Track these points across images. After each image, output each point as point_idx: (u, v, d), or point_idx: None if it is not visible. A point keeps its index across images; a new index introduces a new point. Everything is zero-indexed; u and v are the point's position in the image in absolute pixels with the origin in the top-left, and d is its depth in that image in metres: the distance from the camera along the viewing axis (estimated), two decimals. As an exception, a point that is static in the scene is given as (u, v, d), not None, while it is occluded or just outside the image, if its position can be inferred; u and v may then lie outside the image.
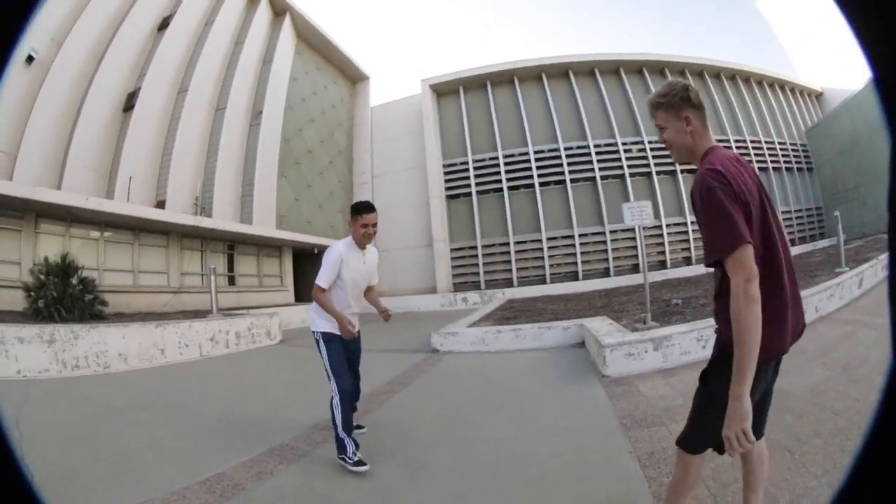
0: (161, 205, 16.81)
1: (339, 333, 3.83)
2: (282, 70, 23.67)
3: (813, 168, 30.23)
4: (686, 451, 2.01)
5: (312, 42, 27.56)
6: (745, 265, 1.64)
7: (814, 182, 30.23)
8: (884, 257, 11.21)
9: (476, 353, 8.79)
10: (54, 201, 12.38)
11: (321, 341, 3.87)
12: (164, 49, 17.91)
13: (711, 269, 1.94)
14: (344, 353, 3.89)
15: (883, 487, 0.68)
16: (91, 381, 7.62)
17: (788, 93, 31.77)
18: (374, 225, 3.78)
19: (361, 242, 3.90)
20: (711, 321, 6.16)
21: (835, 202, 27.01)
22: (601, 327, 7.45)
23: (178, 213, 16.50)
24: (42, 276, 10.83)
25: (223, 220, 18.28)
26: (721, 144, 2.05)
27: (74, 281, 11.93)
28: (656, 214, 23.20)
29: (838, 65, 31.37)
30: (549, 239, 25.04)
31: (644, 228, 9.09)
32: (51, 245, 13.01)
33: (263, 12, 23.76)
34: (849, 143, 26.23)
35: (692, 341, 6.22)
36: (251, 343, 11.41)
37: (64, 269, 11.69)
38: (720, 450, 1.84)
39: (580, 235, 24.97)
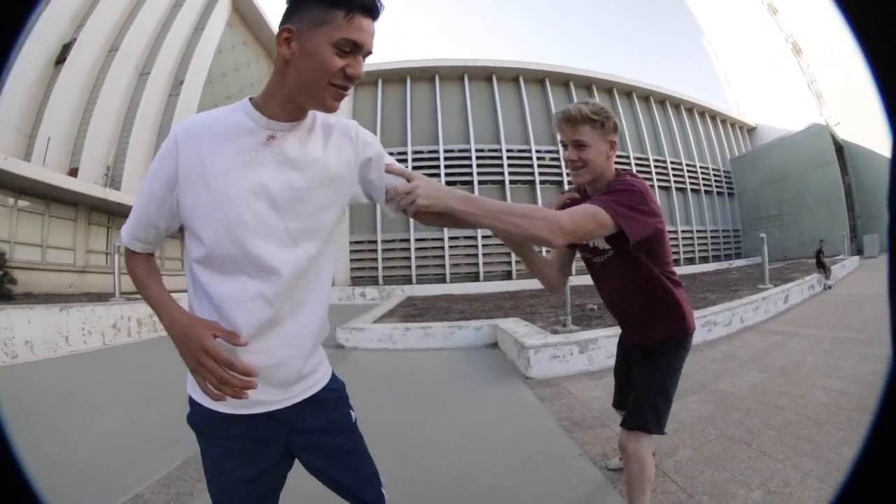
0: (74, 173, 16.12)
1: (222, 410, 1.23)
2: (211, 40, 23.29)
3: (734, 193, 34.25)
4: (655, 434, 2.04)
5: (246, 15, 27.01)
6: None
7: (733, 206, 34.17)
8: (810, 278, 13.10)
9: (384, 350, 8.53)
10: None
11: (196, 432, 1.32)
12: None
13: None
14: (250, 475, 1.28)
15: (883, 488, 0.69)
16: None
17: (719, 123, 35.84)
18: (367, 56, 1.13)
19: (320, 100, 1.12)
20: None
21: (755, 226, 31.19)
22: (518, 329, 7.28)
23: (88, 182, 15.13)
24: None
25: (131, 194, 16.93)
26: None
27: (-13, 253, 10.69)
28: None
29: (777, 107, 35.32)
30: (451, 238, 25.84)
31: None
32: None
33: None
34: (778, 176, 30.61)
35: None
36: (153, 331, 10.45)
37: (-23, 239, 10.47)
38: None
39: (483, 237, 25.73)
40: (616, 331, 6.09)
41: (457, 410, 4.63)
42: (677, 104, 32.84)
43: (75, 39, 16.36)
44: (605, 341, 5.97)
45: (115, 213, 17.72)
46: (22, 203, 13.98)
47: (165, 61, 20.52)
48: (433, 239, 25.59)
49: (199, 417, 1.26)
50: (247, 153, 1.13)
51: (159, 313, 1.20)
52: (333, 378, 1.40)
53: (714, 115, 35.51)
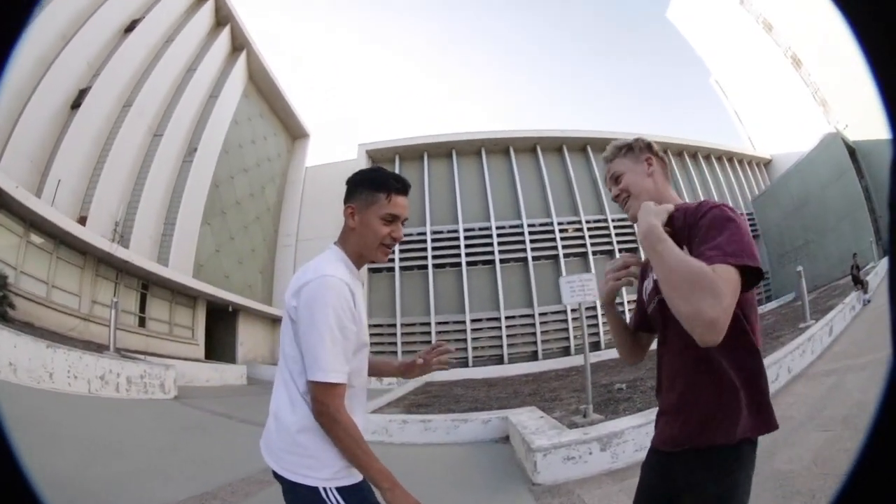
0: (83, 221, 16.50)
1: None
2: (226, 109, 25.12)
3: (759, 235, 34.09)
4: None
5: (262, 87, 29.30)
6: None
7: (759, 248, 32.48)
8: (849, 299, 13.06)
9: (378, 443, 7.83)
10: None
11: None
12: (124, 53, 19.26)
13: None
14: None
15: (883, 488, 0.70)
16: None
17: (737, 164, 36.55)
18: (405, 221, 1.87)
19: (374, 255, 1.83)
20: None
21: (782, 263, 31.14)
22: (529, 422, 6.65)
23: (96, 234, 15.91)
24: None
25: (139, 254, 17.73)
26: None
27: (-14, 271, 11.23)
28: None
29: (788, 131, 35.52)
30: (473, 320, 26.00)
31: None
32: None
33: (223, 43, 25.44)
34: (798, 204, 30.46)
35: (649, 434, 5.74)
36: (143, 392, 11.08)
37: (-22, 256, 11.03)
38: None
39: (507, 317, 25.90)
40: (648, 418, 5.66)
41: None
42: (694, 153, 33.63)
43: (90, 87, 17.92)
44: (632, 433, 5.40)
45: (123, 271, 18.30)
46: (32, 237, 14.82)
47: (179, 125, 22.23)
48: (455, 322, 25.83)
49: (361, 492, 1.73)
50: (361, 298, 1.76)
51: (388, 481, 1.64)
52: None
53: (731, 157, 36.16)
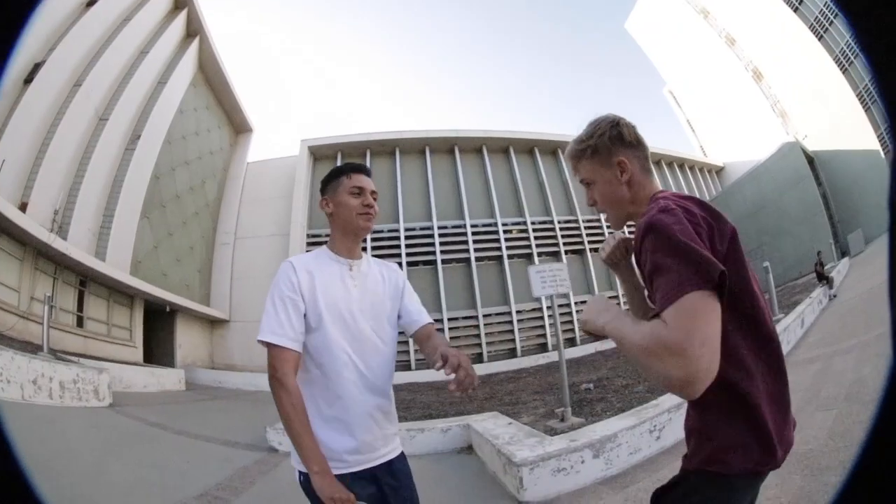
0: (23, 207, 15.14)
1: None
2: (173, 98, 24.15)
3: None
4: None
5: (211, 77, 28.51)
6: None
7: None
8: (816, 294, 13.98)
9: None
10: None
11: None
12: (82, 28, 17.96)
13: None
14: None
15: (883, 488, 0.70)
16: None
17: (688, 170, 37.95)
18: (374, 194, 2.06)
19: (358, 229, 2.02)
20: (657, 407, 5.63)
21: None
22: (498, 430, 6.07)
23: (35, 223, 15.03)
24: None
25: (77, 247, 16.59)
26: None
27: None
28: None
29: (743, 140, 37.61)
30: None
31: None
32: None
33: (177, 27, 24.64)
34: (753, 209, 31.96)
35: (643, 435, 5.24)
36: (76, 399, 10.23)
37: None
38: None
39: (450, 319, 25.49)
40: (641, 417, 5.50)
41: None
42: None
43: (45, 61, 16.83)
44: (626, 435, 5.02)
45: (62, 265, 17.06)
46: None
47: (125, 110, 21.18)
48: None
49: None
50: (342, 278, 1.98)
51: (318, 465, 1.71)
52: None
53: (682, 163, 37.63)
